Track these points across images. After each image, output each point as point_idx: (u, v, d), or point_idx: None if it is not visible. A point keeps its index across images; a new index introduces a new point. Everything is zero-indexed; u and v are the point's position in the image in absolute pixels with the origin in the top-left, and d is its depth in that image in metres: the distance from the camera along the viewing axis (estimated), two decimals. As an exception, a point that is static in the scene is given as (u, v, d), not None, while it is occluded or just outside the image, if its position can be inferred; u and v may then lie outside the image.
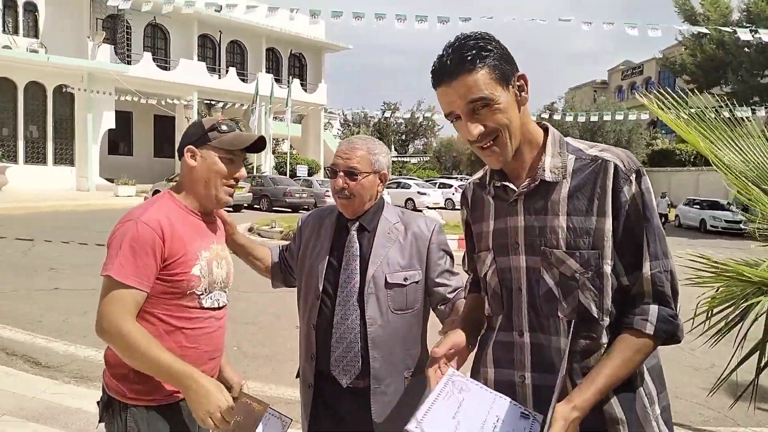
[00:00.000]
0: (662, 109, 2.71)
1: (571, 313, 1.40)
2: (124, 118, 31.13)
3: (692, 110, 2.73)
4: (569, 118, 30.35)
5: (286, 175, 29.31)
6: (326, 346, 1.99)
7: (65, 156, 27.79)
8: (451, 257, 2.08)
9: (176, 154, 2.03)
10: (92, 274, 9.04)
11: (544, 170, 1.44)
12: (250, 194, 23.59)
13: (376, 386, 1.94)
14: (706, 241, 18.92)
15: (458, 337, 1.53)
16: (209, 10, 18.22)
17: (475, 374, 1.56)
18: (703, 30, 17.28)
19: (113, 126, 28.03)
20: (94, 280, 8.67)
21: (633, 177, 1.39)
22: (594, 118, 27.63)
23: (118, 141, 32.59)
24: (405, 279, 1.99)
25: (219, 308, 1.93)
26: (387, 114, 56.71)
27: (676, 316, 1.38)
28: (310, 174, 32.34)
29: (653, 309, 1.36)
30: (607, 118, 28.78)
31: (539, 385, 1.42)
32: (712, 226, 23.24)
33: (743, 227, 20.67)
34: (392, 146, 66.76)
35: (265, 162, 33.26)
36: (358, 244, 2.02)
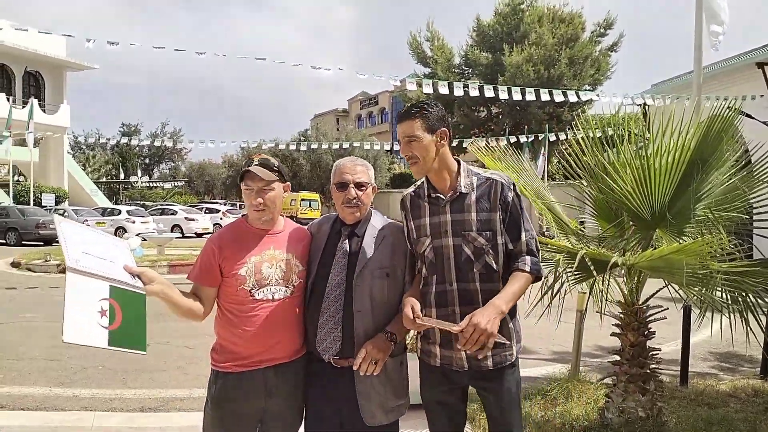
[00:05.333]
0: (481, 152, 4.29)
1: (482, 269, 2.27)
2: None
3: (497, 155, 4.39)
4: (325, 146, 33.04)
5: (28, 205, 26.28)
6: (314, 330, 2.37)
7: None
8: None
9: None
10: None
11: (460, 186, 2.31)
12: (-6, 228, 20.97)
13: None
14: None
15: (414, 300, 2.25)
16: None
17: (424, 310, 2.26)
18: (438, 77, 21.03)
19: None
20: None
21: (512, 188, 2.32)
22: (345, 146, 30.66)
23: None
24: (387, 274, 2.35)
25: (273, 300, 2.32)
26: (127, 137, 53.49)
27: (539, 262, 2.31)
28: (57, 203, 29.45)
29: (528, 258, 2.28)
30: (356, 145, 32.05)
31: (464, 312, 2.19)
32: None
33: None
34: (138, 170, 63.10)
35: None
36: (348, 246, 2.39)
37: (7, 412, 4.66)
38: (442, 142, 2.30)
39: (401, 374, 2.44)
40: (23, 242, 21.61)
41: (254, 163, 2.34)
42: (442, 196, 2.32)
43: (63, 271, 13.59)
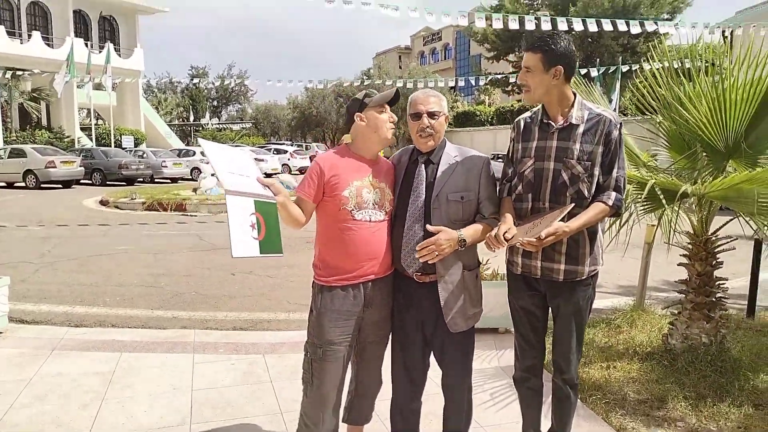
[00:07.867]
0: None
1: (574, 194, 2.50)
2: None
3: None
4: (389, 83, 32.86)
5: (109, 147, 27.82)
6: (398, 248, 2.61)
7: None
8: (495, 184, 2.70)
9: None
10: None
11: (572, 117, 2.53)
12: (82, 168, 22.41)
13: (441, 277, 2.55)
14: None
15: (510, 218, 2.51)
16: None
17: (518, 222, 2.54)
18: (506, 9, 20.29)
19: None
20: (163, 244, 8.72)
21: (618, 127, 2.52)
22: (409, 84, 30.43)
23: None
24: (462, 198, 2.55)
25: (371, 222, 2.58)
26: (196, 79, 54.77)
27: (622, 199, 2.52)
28: (136, 144, 30.99)
29: (613, 194, 2.50)
30: (420, 84, 31.71)
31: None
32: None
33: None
34: (206, 113, 64.81)
35: (80, 134, 31.12)
36: (425, 173, 2.61)
37: (118, 329, 5.27)
38: (555, 78, 2.48)
39: (476, 286, 2.69)
40: (107, 182, 23.11)
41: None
42: (552, 123, 2.56)
43: (149, 209, 14.66)
